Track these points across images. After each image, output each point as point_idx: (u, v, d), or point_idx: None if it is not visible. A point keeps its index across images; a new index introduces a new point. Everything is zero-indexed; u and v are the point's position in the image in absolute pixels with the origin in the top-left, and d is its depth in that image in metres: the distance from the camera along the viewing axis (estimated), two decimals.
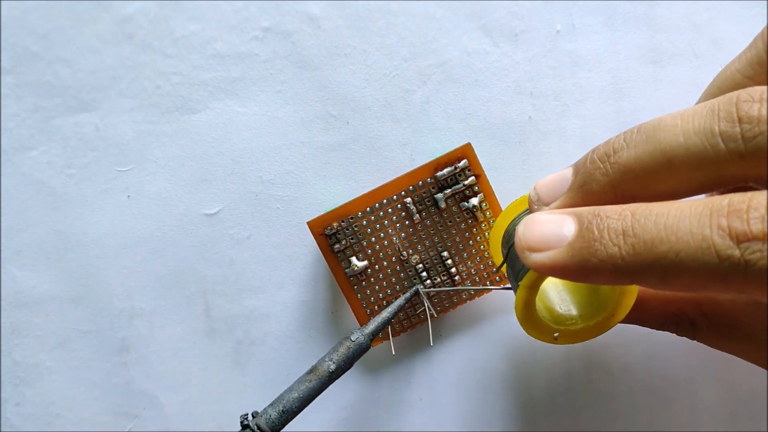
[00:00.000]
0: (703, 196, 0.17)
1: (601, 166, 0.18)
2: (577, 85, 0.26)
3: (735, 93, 0.16)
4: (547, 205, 0.20)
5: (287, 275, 0.27)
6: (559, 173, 0.20)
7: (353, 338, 0.23)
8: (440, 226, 0.25)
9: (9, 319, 0.27)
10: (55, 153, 0.26)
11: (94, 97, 0.26)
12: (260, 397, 0.27)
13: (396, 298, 0.25)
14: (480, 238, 0.25)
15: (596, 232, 0.17)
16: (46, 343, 0.27)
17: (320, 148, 0.26)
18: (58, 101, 0.26)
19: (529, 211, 0.20)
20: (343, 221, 0.24)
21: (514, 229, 0.21)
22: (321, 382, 0.22)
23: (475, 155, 0.24)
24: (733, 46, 0.26)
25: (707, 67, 0.26)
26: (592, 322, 0.21)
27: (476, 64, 0.26)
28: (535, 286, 0.20)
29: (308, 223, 0.24)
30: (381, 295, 0.25)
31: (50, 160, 0.26)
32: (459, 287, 0.25)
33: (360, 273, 0.25)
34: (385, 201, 0.25)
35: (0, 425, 0.27)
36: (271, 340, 0.27)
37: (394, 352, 0.26)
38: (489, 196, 0.25)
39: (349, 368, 0.23)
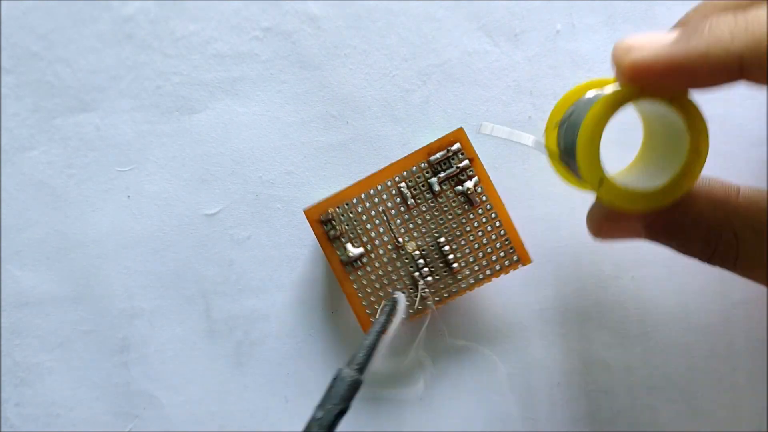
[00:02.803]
0: None
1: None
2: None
3: None
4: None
5: (287, 276, 0.27)
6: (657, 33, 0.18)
7: (343, 376, 0.20)
8: (436, 212, 0.25)
9: (9, 319, 0.27)
10: (56, 153, 0.26)
11: (94, 97, 0.26)
12: (260, 397, 0.27)
13: (393, 289, 0.25)
14: (477, 223, 0.25)
15: (705, 25, 0.16)
16: (46, 343, 0.27)
17: (320, 148, 0.26)
18: (58, 101, 0.26)
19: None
20: (338, 207, 0.24)
21: (577, 104, 0.19)
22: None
23: (468, 140, 0.24)
24: None
25: None
26: (653, 188, 0.18)
27: (476, 64, 0.26)
28: (615, 106, 0.18)
29: (305, 211, 0.24)
30: (377, 285, 0.25)
31: (50, 160, 0.26)
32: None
33: (356, 260, 0.25)
34: (379, 187, 0.25)
35: (0, 425, 0.27)
36: (272, 340, 0.27)
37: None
38: (484, 180, 0.25)
39: (347, 408, 0.20)
